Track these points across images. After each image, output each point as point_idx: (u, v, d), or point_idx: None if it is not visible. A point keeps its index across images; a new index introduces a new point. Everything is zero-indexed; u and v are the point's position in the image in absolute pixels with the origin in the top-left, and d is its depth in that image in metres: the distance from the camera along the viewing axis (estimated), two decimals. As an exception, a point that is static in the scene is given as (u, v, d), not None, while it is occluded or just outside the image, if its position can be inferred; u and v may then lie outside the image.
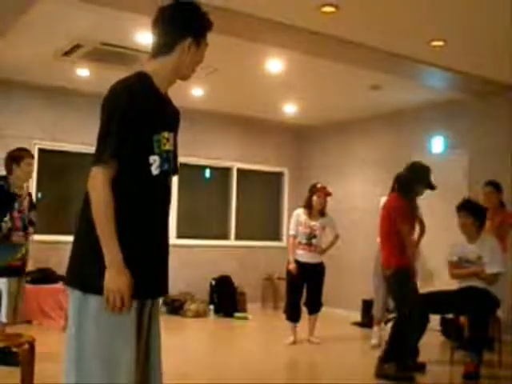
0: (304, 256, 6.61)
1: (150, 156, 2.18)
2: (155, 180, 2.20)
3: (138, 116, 2.13)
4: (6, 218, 4.92)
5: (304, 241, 6.61)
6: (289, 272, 6.68)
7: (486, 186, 6.48)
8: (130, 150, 2.11)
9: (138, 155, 2.16)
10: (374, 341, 6.74)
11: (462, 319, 5.95)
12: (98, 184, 2.08)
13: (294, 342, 6.64)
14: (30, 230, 5.17)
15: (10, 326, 5.01)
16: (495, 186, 6.46)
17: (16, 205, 5.02)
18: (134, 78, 2.24)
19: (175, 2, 2.29)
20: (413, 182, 5.51)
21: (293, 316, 6.66)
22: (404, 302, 5.25)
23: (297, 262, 6.62)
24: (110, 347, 2.09)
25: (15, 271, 5.04)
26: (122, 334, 2.12)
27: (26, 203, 5.13)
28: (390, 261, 5.40)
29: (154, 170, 2.19)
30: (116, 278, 2.05)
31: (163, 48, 2.27)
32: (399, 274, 5.29)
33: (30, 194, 5.30)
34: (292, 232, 6.74)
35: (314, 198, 6.65)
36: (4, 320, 4.98)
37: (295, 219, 6.73)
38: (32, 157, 5.22)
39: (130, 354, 2.12)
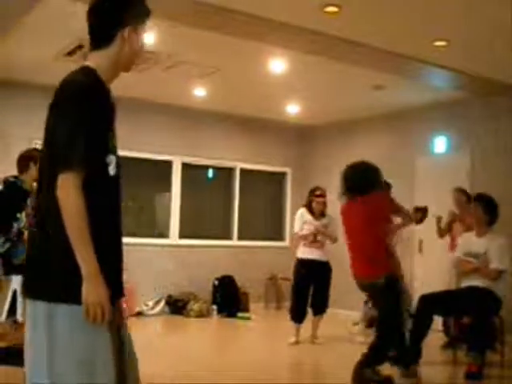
0: (310, 253, 6.63)
1: (106, 156, 2.09)
2: (113, 180, 2.13)
3: (96, 114, 2.04)
4: (22, 215, 5.01)
5: (309, 238, 6.65)
6: (295, 272, 6.72)
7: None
8: (92, 152, 2.02)
9: (98, 156, 2.06)
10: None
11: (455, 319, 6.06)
12: (70, 191, 1.95)
13: (297, 343, 6.64)
14: None
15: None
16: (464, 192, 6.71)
17: (28, 201, 5.11)
18: (84, 74, 2.12)
19: None
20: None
21: (297, 317, 6.67)
22: None
23: (302, 260, 6.66)
24: (87, 352, 2.01)
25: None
26: (98, 336, 2.04)
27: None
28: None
29: (111, 171, 2.11)
30: (97, 290, 1.96)
31: (103, 39, 2.17)
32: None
33: None
34: (297, 229, 6.80)
35: (313, 204, 6.74)
36: (20, 319, 5.00)
37: (300, 218, 6.79)
38: None
39: (108, 354, 2.06)
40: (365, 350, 4.92)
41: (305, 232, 6.70)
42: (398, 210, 5.37)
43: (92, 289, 1.95)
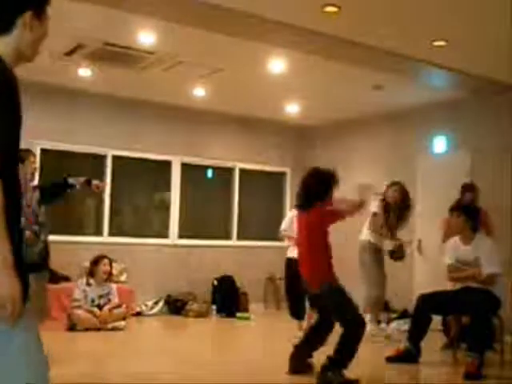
0: None
1: (19, 149, 1.97)
2: (18, 176, 1.98)
3: (14, 103, 1.93)
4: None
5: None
6: (288, 271, 6.79)
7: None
8: (10, 143, 1.89)
9: (15, 149, 1.93)
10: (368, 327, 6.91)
11: (450, 319, 6.12)
12: None
13: None
14: (43, 233, 5.23)
15: None
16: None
17: (23, 201, 5.11)
18: None
19: None
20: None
21: (297, 314, 6.79)
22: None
23: (294, 259, 6.67)
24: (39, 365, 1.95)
25: (34, 267, 5.10)
26: (40, 345, 1.97)
27: (31, 198, 5.21)
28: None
29: (18, 165, 1.98)
30: (10, 281, 1.75)
31: (2, 26, 2.00)
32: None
33: (36, 188, 5.33)
34: (283, 227, 7.03)
35: None
36: None
37: (290, 218, 6.91)
38: (34, 155, 5.43)
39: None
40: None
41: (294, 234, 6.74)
42: (342, 214, 5.22)
43: (6, 280, 1.75)
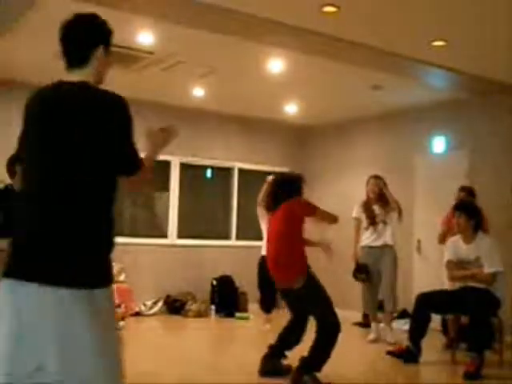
0: None
1: None
2: None
3: None
4: None
5: None
6: (261, 270, 7.08)
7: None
8: None
9: None
10: (371, 336, 6.89)
11: (449, 318, 6.17)
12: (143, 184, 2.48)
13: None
14: None
15: None
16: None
17: None
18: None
19: (78, 16, 2.42)
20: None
21: (265, 307, 7.46)
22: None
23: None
24: None
25: None
26: None
27: None
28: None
29: None
30: None
31: (81, 60, 2.34)
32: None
33: None
34: (263, 227, 7.38)
35: None
36: None
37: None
38: None
39: None
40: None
41: None
42: (315, 213, 5.00)
43: None
